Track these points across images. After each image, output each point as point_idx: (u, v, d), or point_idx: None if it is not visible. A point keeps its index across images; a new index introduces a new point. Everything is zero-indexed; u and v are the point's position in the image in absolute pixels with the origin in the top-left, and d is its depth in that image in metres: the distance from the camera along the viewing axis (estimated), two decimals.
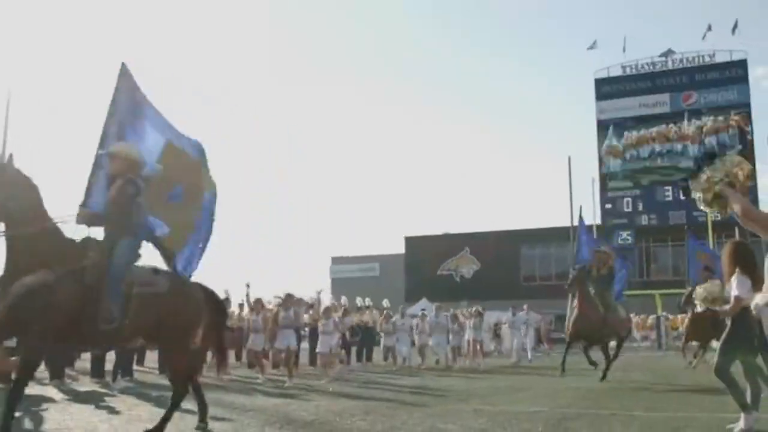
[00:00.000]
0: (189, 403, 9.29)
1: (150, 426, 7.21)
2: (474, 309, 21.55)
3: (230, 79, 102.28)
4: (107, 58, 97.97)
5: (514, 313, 23.87)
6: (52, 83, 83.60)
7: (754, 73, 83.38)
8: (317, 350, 16.22)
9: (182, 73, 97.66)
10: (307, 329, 18.97)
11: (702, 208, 4.71)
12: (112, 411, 9.02)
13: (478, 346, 20.61)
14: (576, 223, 42.52)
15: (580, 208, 16.56)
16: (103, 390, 12.07)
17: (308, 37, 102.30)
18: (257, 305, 16.15)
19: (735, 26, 46.24)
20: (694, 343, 17.63)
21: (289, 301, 15.12)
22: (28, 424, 7.77)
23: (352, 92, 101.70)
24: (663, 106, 46.91)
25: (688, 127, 46.04)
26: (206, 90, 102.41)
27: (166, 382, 13.67)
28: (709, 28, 46.87)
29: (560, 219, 46.80)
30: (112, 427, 7.55)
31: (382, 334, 20.43)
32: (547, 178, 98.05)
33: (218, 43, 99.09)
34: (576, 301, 14.06)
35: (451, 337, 20.58)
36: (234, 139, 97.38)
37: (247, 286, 17.23)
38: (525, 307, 24.60)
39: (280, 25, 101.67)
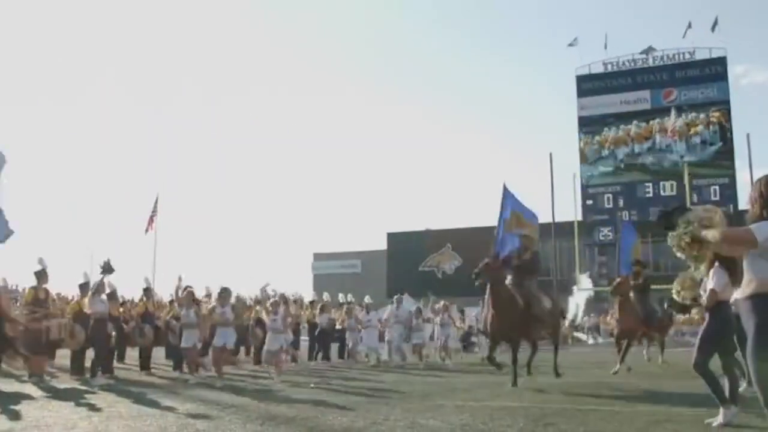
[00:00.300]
0: (171, 401, 9.25)
1: (130, 423, 7.18)
2: (442, 304, 20.62)
3: (212, 74, 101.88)
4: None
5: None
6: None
7: (733, 70, 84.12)
8: (265, 348, 14.66)
9: (172, 70, 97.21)
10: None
11: (685, 258, 4.56)
12: (92, 408, 8.95)
13: (445, 343, 19.41)
14: (558, 218, 42.92)
15: (503, 185, 13.82)
16: (83, 387, 11.98)
17: (287, 33, 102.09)
18: (187, 299, 14.01)
19: (715, 24, 46.60)
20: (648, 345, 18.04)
21: (224, 296, 13.94)
22: (6, 421, 7.71)
23: (335, 89, 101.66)
24: (644, 103, 47.25)
25: (670, 123, 46.36)
26: (193, 88, 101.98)
27: (146, 378, 13.67)
28: (690, 26, 47.23)
29: (542, 215, 47.00)
30: (92, 424, 7.49)
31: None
32: (529, 175, 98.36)
33: (205, 38, 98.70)
34: (488, 297, 12.06)
35: (412, 332, 19.89)
36: (216, 135, 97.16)
37: (179, 278, 15.25)
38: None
39: (267, 21, 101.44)
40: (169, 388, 11.63)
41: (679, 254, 4.48)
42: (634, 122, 47.16)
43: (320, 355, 19.88)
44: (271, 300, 15.40)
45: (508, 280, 12.23)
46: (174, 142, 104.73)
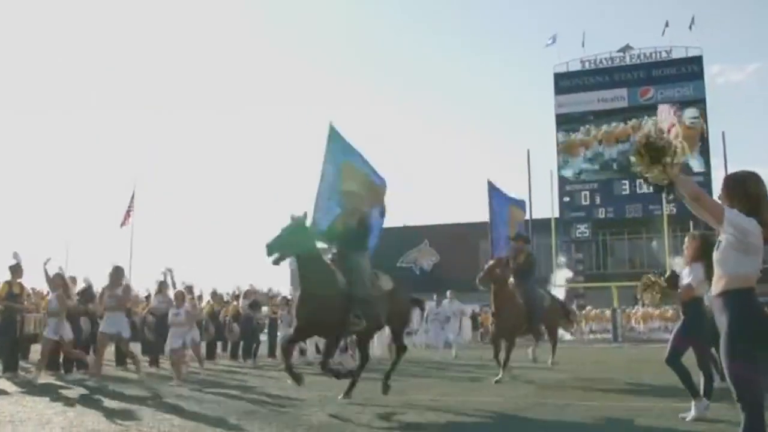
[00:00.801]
0: (147, 396, 9.24)
1: (105, 417, 7.14)
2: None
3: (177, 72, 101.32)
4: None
5: (438, 302, 22.06)
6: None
7: (709, 70, 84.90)
8: (167, 346, 13.02)
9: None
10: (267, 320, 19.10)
11: (641, 171, 4.45)
12: (67, 403, 8.91)
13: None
14: (535, 215, 43.13)
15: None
16: (58, 382, 11.91)
17: (260, 28, 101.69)
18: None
19: (692, 22, 46.99)
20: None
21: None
22: None
23: (312, 85, 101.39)
24: (621, 101, 47.53)
25: (647, 121, 46.67)
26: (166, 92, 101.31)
27: (122, 374, 13.59)
28: (667, 25, 47.57)
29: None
30: (67, 419, 7.45)
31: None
32: (507, 171, 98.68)
33: (181, 32, 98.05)
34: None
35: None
36: (196, 129, 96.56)
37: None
38: (448, 294, 22.47)
39: (242, 14, 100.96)
40: (144, 384, 11.56)
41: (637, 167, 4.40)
42: (612, 120, 47.48)
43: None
44: (176, 290, 14.05)
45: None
46: (153, 136, 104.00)
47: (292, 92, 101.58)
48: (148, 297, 17.21)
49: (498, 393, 9.89)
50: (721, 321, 4.06)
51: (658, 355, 8.91)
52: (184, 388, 10.76)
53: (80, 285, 14.81)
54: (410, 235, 57.37)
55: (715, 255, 4.13)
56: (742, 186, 4.19)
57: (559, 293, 30.71)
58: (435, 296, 22.38)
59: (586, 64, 48.79)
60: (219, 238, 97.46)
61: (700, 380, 7.38)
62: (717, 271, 4.13)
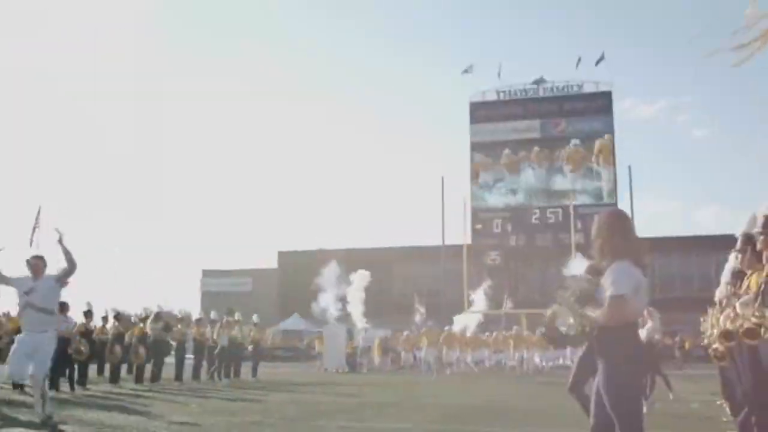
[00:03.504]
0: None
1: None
2: None
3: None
4: None
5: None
6: None
7: (622, 104, 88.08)
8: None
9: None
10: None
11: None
12: None
13: None
14: (448, 242, 43.62)
15: None
16: None
17: (186, 32, 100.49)
18: None
19: (600, 59, 48.61)
20: None
21: None
22: None
23: (227, 98, 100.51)
24: (534, 132, 48.72)
25: (558, 153, 47.98)
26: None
27: (17, 397, 13.06)
28: (579, 60, 49.13)
29: (432, 238, 47.79)
30: None
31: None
32: (420, 198, 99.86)
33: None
34: None
35: None
36: (101, 142, 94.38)
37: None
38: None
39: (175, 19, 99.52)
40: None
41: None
42: (524, 150, 48.58)
43: (221, 373, 19.51)
44: None
45: None
46: (55, 152, 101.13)
47: (211, 106, 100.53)
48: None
49: (409, 418, 9.91)
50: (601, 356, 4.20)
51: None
52: (86, 412, 10.42)
53: None
54: (325, 259, 57.15)
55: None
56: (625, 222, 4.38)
57: (474, 318, 31.30)
58: None
59: (501, 95, 49.88)
60: (125, 257, 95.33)
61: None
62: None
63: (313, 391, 16.04)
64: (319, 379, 21.12)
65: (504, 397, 14.29)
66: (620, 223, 4.36)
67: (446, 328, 27.96)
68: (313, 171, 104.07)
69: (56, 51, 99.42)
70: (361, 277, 29.95)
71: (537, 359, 26.08)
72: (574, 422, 8.82)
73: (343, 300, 29.49)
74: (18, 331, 15.01)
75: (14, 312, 16.27)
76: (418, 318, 30.18)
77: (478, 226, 47.58)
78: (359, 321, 29.32)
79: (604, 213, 4.54)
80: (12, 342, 14.85)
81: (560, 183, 47.34)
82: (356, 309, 29.35)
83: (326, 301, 29.81)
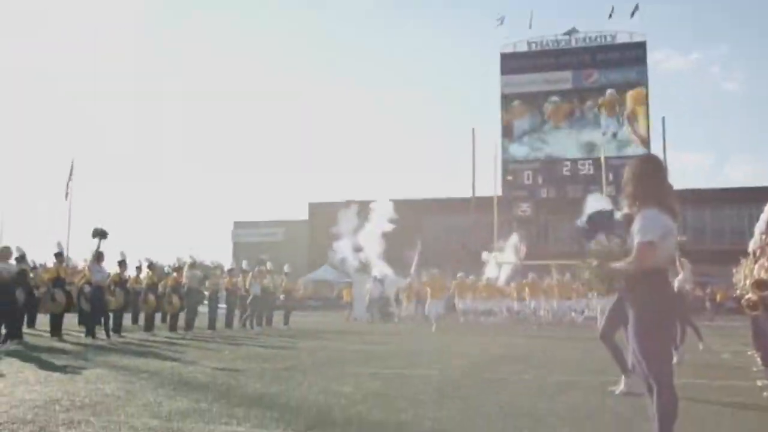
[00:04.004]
0: (81, 366, 9.08)
1: (37, 388, 7.01)
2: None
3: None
4: None
5: None
6: None
7: (654, 56, 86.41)
8: None
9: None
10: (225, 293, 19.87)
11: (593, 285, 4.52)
12: None
13: None
14: (478, 193, 43.42)
15: None
16: None
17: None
18: None
19: (635, 10, 47.66)
20: None
21: None
22: None
23: (257, 57, 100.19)
24: (566, 83, 48.12)
25: (590, 104, 47.35)
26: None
27: (57, 344, 13.34)
28: (613, 10, 48.18)
29: (463, 190, 47.55)
30: None
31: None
32: (452, 149, 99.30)
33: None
34: None
35: None
36: (135, 98, 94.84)
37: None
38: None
39: None
40: (79, 354, 11.38)
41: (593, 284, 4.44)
42: (556, 101, 48.02)
43: (254, 321, 19.76)
44: None
45: None
46: (91, 106, 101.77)
47: (240, 62, 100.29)
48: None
49: (436, 366, 9.97)
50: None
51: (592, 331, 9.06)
52: (121, 358, 10.63)
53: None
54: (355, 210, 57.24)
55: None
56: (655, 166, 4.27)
57: (504, 271, 30.67)
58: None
59: (533, 46, 49.17)
60: (159, 209, 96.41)
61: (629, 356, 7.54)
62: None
63: (343, 339, 16.18)
64: (348, 327, 21.34)
65: (526, 344, 14.31)
66: (651, 168, 4.26)
67: (459, 275, 26.69)
68: (345, 123, 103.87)
69: (56, 51, 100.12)
70: (381, 211, 28.77)
71: (556, 307, 24.76)
72: (601, 369, 8.84)
73: (359, 248, 28.46)
74: (54, 281, 15.41)
75: (50, 263, 16.64)
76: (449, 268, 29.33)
77: (509, 178, 47.35)
78: (378, 265, 28.14)
79: (635, 159, 4.45)
80: (49, 292, 15.29)
81: (592, 135, 46.79)
82: (372, 249, 28.17)
83: (343, 250, 28.64)
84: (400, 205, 53.30)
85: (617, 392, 7.22)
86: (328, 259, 37.77)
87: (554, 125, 47.92)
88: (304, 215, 60.74)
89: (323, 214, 58.49)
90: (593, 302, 22.72)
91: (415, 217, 53.65)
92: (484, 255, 28.92)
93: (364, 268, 28.80)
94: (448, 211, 52.53)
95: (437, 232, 54.33)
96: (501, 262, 28.92)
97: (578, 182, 44.98)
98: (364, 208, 29.45)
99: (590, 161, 45.40)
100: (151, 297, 17.68)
